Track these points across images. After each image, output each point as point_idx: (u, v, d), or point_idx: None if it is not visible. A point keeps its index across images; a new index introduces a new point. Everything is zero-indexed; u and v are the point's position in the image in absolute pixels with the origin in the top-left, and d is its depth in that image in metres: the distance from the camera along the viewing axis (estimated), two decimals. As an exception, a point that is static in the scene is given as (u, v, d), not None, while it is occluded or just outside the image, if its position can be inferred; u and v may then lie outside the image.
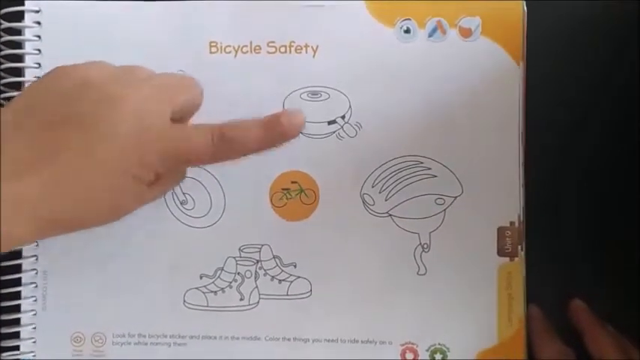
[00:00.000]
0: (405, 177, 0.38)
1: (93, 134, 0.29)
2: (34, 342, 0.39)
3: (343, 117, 0.38)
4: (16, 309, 0.39)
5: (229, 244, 0.39)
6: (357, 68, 0.38)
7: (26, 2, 0.39)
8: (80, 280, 0.39)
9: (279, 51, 0.39)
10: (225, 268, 0.39)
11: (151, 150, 0.30)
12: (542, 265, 0.38)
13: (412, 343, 0.38)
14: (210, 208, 0.39)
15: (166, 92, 0.31)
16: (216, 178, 0.39)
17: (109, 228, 0.31)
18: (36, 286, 0.39)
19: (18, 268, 0.39)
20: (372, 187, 0.38)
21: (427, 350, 0.38)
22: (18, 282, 0.39)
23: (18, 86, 0.39)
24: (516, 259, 0.38)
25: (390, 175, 0.38)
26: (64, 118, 0.29)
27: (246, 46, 0.39)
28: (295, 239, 0.39)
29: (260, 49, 0.39)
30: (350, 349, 0.38)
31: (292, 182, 0.39)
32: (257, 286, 0.39)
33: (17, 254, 0.39)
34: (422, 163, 0.38)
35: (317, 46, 0.38)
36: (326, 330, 0.38)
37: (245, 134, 0.31)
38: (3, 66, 0.39)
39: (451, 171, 0.38)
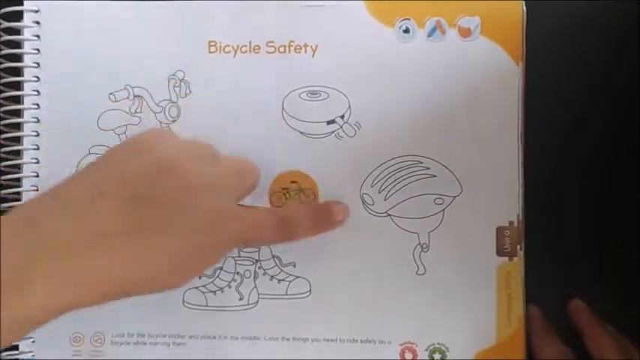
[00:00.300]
0: (404, 177, 0.38)
1: (175, 216, 0.30)
2: (33, 342, 0.39)
3: (342, 117, 0.38)
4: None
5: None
6: (357, 68, 0.38)
7: (25, 2, 0.40)
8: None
9: (279, 51, 0.39)
10: (224, 268, 0.39)
11: (224, 233, 0.32)
12: (541, 265, 0.38)
13: (411, 343, 0.38)
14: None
15: (237, 178, 0.34)
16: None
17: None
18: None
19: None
20: (372, 186, 0.38)
21: (426, 350, 0.38)
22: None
23: (17, 86, 0.39)
24: (515, 258, 0.38)
25: (389, 175, 0.38)
26: (148, 196, 0.30)
27: (245, 45, 0.39)
28: (294, 239, 0.39)
29: (259, 48, 0.39)
30: (349, 349, 0.38)
31: (291, 182, 0.39)
32: (256, 286, 0.39)
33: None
34: (421, 162, 0.38)
35: (316, 46, 0.38)
36: (325, 330, 0.38)
37: (301, 224, 0.36)
38: (2, 65, 0.39)
39: (450, 171, 0.38)
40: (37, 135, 0.40)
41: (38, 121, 0.40)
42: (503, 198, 0.38)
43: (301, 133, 0.39)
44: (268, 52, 0.39)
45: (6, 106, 0.40)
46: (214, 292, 0.39)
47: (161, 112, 0.39)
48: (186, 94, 0.39)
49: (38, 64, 0.40)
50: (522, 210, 0.38)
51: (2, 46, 0.40)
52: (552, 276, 0.39)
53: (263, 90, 0.39)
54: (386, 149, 0.38)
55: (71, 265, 0.28)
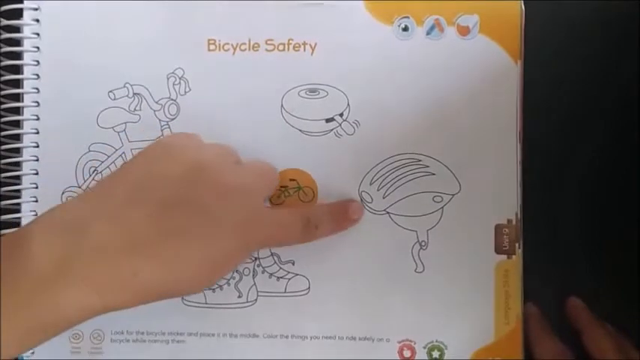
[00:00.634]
0: (403, 175, 0.38)
1: (210, 219, 0.31)
2: (33, 339, 0.40)
3: (341, 115, 0.39)
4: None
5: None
6: (356, 66, 0.38)
7: (25, 0, 0.40)
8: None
9: (278, 49, 0.39)
10: (223, 266, 0.39)
11: (255, 235, 0.33)
12: (539, 263, 0.39)
13: (410, 341, 0.38)
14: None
15: (262, 180, 0.36)
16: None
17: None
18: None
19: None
20: (370, 184, 0.38)
21: (424, 347, 0.38)
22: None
23: (16, 84, 0.40)
24: (514, 256, 0.38)
25: (388, 173, 0.38)
26: (180, 200, 0.31)
27: (244, 43, 0.39)
28: (293, 237, 0.39)
29: (258, 46, 0.39)
30: (348, 346, 0.38)
31: (290, 180, 0.39)
32: (255, 284, 0.39)
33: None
34: (420, 160, 0.38)
35: (315, 44, 0.39)
36: (324, 327, 0.39)
37: (322, 224, 0.36)
38: (1, 64, 0.40)
39: (449, 169, 0.38)
40: (37, 133, 0.40)
41: (38, 118, 0.40)
42: (502, 196, 0.38)
43: (300, 131, 0.39)
44: (267, 50, 0.39)
45: (6, 103, 0.40)
46: (213, 289, 0.39)
47: (160, 109, 0.39)
48: (185, 91, 0.39)
49: (38, 61, 0.40)
50: (521, 208, 0.38)
51: (2, 44, 0.40)
52: (551, 274, 0.39)
53: (262, 88, 0.39)
54: (385, 147, 0.38)
55: (108, 269, 0.29)
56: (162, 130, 0.39)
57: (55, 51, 0.40)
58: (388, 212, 0.38)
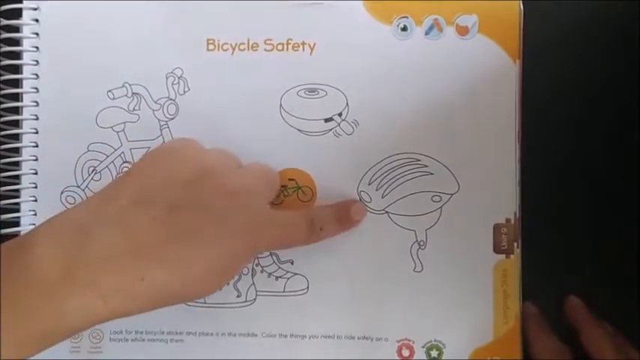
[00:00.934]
0: (402, 174, 0.38)
1: (214, 221, 0.31)
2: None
3: (340, 114, 0.39)
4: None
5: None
6: (354, 66, 0.38)
7: (24, 0, 0.40)
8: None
9: (277, 48, 0.39)
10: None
11: (261, 237, 0.33)
12: (538, 263, 0.39)
13: (408, 340, 0.38)
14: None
15: (264, 182, 0.35)
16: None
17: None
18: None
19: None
20: (369, 184, 0.38)
21: (423, 347, 0.38)
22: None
23: (16, 83, 0.40)
24: (512, 256, 0.38)
25: (387, 173, 0.38)
26: (186, 203, 0.31)
27: (243, 43, 0.39)
28: (292, 236, 0.39)
29: (257, 46, 0.39)
30: (346, 346, 0.38)
31: (289, 179, 0.39)
32: (254, 283, 0.39)
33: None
34: (418, 160, 0.38)
35: (314, 44, 0.39)
36: (322, 326, 0.39)
37: (326, 225, 0.36)
38: (1, 63, 0.40)
39: (447, 168, 0.38)
40: (36, 132, 0.40)
41: (37, 118, 0.40)
42: (501, 195, 0.38)
43: (299, 130, 0.39)
44: (266, 50, 0.39)
45: (5, 103, 0.40)
46: (212, 289, 0.39)
47: (159, 109, 0.39)
48: (184, 91, 0.39)
49: (37, 61, 0.40)
50: (519, 207, 0.38)
51: (1, 44, 0.40)
52: (549, 274, 0.39)
53: (261, 88, 0.39)
54: (383, 147, 0.38)
55: (114, 274, 0.28)
56: (161, 130, 0.39)
57: (55, 51, 0.40)
58: (387, 212, 0.39)
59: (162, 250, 0.29)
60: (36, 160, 0.40)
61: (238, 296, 0.39)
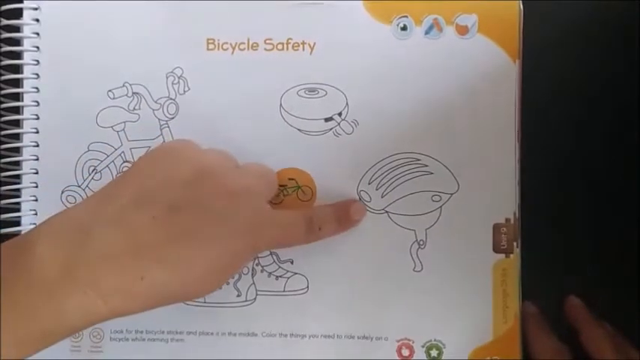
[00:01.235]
0: (402, 174, 0.38)
1: (214, 220, 0.31)
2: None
3: (340, 114, 0.38)
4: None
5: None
6: (354, 65, 0.38)
7: (25, 0, 0.40)
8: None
9: (277, 48, 0.39)
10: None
11: (260, 236, 0.33)
12: (538, 262, 0.38)
13: (408, 339, 0.38)
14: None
15: (263, 182, 0.35)
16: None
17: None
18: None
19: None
20: (369, 184, 0.38)
21: (423, 346, 0.38)
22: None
23: (16, 83, 0.40)
24: (512, 255, 0.38)
25: (387, 172, 0.38)
26: (186, 202, 0.31)
27: (243, 43, 0.39)
28: (292, 236, 0.39)
29: (257, 46, 0.39)
30: (346, 345, 0.38)
31: (289, 179, 0.39)
32: (254, 283, 0.39)
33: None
34: (418, 160, 0.38)
35: (314, 44, 0.39)
36: (322, 326, 0.39)
37: (326, 225, 0.36)
38: (1, 63, 0.40)
39: (447, 168, 0.38)
40: (37, 132, 0.40)
41: (38, 118, 0.40)
42: (500, 195, 0.38)
43: (299, 130, 0.39)
44: (266, 50, 0.39)
45: (6, 103, 0.40)
46: (212, 288, 0.39)
47: (159, 109, 0.39)
48: (184, 91, 0.39)
49: (37, 61, 0.40)
50: (519, 207, 0.38)
51: (2, 44, 0.40)
52: (549, 274, 0.39)
53: (261, 87, 0.39)
54: (383, 146, 0.38)
55: (114, 274, 0.28)
56: (161, 130, 0.39)
57: (55, 50, 0.40)
58: (387, 211, 0.38)
59: (162, 250, 0.29)
60: (37, 159, 0.40)
61: (238, 296, 0.39)
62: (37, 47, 0.40)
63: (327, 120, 0.39)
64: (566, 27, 0.40)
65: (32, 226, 0.39)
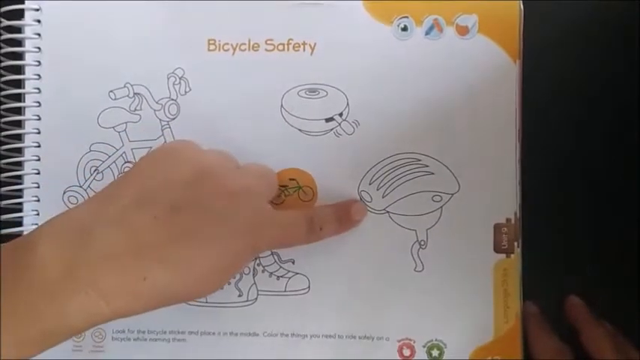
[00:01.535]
0: (403, 174, 0.38)
1: (216, 220, 0.31)
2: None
3: (341, 114, 0.38)
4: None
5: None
6: (355, 66, 0.38)
7: (26, 1, 0.39)
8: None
9: (277, 49, 0.38)
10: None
11: (261, 236, 0.33)
12: (539, 262, 0.38)
13: (409, 339, 0.38)
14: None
15: (264, 182, 0.35)
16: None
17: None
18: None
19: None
20: (370, 184, 0.38)
21: (424, 346, 0.38)
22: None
23: (18, 84, 0.39)
24: (513, 255, 0.38)
25: (388, 173, 0.38)
26: (188, 202, 0.31)
27: (244, 43, 0.39)
28: (293, 236, 0.38)
29: (258, 46, 0.39)
30: (347, 345, 0.38)
31: (290, 179, 0.39)
32: (255, 283, 0.39)
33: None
34: (419, 160, 0.38)
35: (315, 44, 0.38)
36: (324, 326, 0.38)
37: (326, 225, 0.36)
38: (3, 64, 0.39)
39: (448, 168, 0.38)
40: (39, 133, 0.39)
41: (39, 119, 0.39)
42: (501, 195, 0.38)
43: (300, 130, 0.38)
44: (267, 50, 0.39)
45: (8, 103, 0.39)
46: (214, 288, 0.39)
47: (161, 109, 0.39)
48: (185, 91, 0.39)
49: (39, 62, 0.39)
50: (520, 207, 0.38)
51: (3, 45, 0.39)
52: (549, 273, 0.39)
53: (262, 88, 0.38)
54: (384, 147, 0.38)
55: (115, 274, 0.28)
56: (162, 130, 0.39)
57: (56, 51, 0.40)
58: (388, 211, 0.38)
59: (163, 250, 0.29)
60: (38, 160, 0.40)
61: (240, 296, 0.39)
62: (39, 48, 0.40)
63: (327, 120, 0.38)
64: (566, 27, 0.39)
65: (34, 227, 0.39)
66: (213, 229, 0.31)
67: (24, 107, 0.39)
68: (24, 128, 0.39)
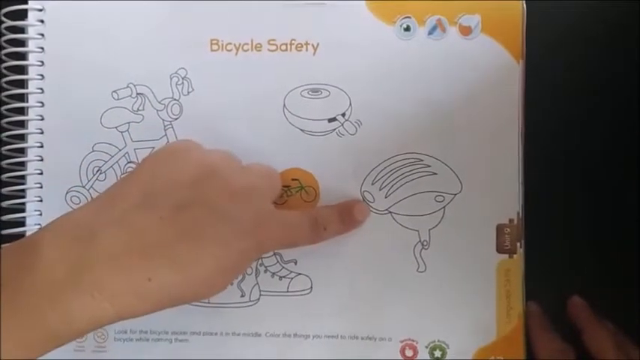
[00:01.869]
0: (405, 174, 0.37)
1: (221, 220, 0.30)
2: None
3: (343, 114, 0.38)
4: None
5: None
6: (358, 66, 0.37)
7: (30, 1, 0.39)
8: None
9: (280, 49, 0.38)
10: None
11: (266, 236, 0.32)
12: (541, 263, 0.38)
13: (412, 340, 0.37)
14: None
15: (267, 182, 0.35)
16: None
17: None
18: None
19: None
20: (372, 184, 0.38)
21: (427, 347, 0.37)
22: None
23: (21, 84, 0.39)
24: (515, 256, 0.37)
25: (390, 173, 0.37)
26: (193, 202, 0.30)
27: (247, 44, 0.38)
28: (296, 236, 0.38)
29: (261, 46, 0.38)
30: (350, 346, 0.38)
31: (293, 179, 0.38)
32: (258, 283, 0.38)
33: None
34: (422, 160, 0.37)
35: (317, 44, 0.38)
36: (326, 326, 0.38)
37: (329, 225, 0.35)
38: (6, 64, 0.39)
39: (451, 168, 0.37)
40: (42, 133, 0.39)
41: (42, 119, 0.39)
42: (504, 196, 0.37)
43: (302, 130, 0.38)
44: (270, 51, 0.38)
45: (11, 104, 0.39)
46: (216, 288, 0.38)
47: (163, 109, 0.39)
48: (188, 91, 0.38)
49: (42, 62, 0.39)
50: (522, 208, 0.37)
51: (7, 45, 0.39)
52: (549, 274, 0.38)
53: (264, 88, 0.38)
54: (387, 147, 0.37)
55: (121, 275, 0.28)
56: (165, 130, 0.39)
57: (60, 52, 0.39)
58: (390, 212, 0.38)
59: (170, 250, 0.29)
60: (41, 160, 0.39)
61: (242, 296, 0.38)
62: (42, 48, 0.39)
63: (330, 120, 0.38)
64: (566, 27, 0.39)
65: (37, 227, 0.39)
66: (219, 228, 0.30)
67: (27, 107, 0.39)
68: (27, 128, 0.39)
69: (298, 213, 0.35)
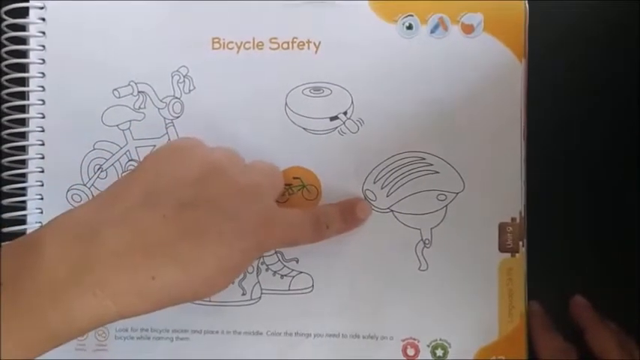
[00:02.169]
0: (407, 173, 0.37)
1: (224, 218, 0.29)
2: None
3: (345, 113, 0.37)
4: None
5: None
6: (359, 64, 0.37)
7: (31, -1, 0.39)
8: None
9: (282, 47, 0.37)
10: (227, 264, 0.37)
11: (269, 234, 0.31)
12: (543, 262, 0.37)
13: (413, 339, 0.37)
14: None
15: (270, 180, 0.34)
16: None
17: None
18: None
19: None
20: (374, 182, 0.37)
21: (428, 346, 0.37)
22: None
23: (22, 82, 0.38)
24: (517, 255, 0.36)
25: (392, 171, 0.37)
26: (196, 200, 0.29)
27: (248, 42, 0.37)
28: (297, 235, 0.37)
29: (263, 45, 0.37)
30: (351, 344, 0.37)
31: (294, 178, 0.37)
32: (259, 281, 0.37)
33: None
34: (424, 159, 0.37)
35: (319, 43, 0.37)
36: (327, 325, 0.37)
37: (331, 224, 0.35)
38: (7, 62, 0.38)
39: (453, 167, 0.36)
40: (43, 131, 0.38)
41: (43, 117, 0.38)
42: (506, 194, 0.36)
43: (304, 129, 0.37)
44: (272, 49, 0.37)
45: (12, 102, 0.38)
46: (217, 287, 0.37)
47: (165, 107, 0.38)
48: (189, 90, 0.38)
49: (43, 60, 0.38)
50: (525, 206, 0.37)
51: (8, 43, 0.38)
52: (549, 273, 0.38)
53: (266, 86, 0.37)
54: (388, 145, 0.37)
55: (124, 274, 0.27)
56: (166, 128, 0.38)
57: (61, 49, 0.38)
58: (392, 210, 0.37)
59: (173, 248, 0.28)
60: (42, 158, 0.38)
61: (243, 294, 0.37)
62: (43, 46, 0.38)
63: (332, 119, 0.37)
64: (567, 27, 0.38)
65: (38, 225, 0.38)
66: (223, 226, 0.29)
67: (28, 105, 0.38)
68: (28, 126, 0.38)
69: (300, 211, 0.35)
